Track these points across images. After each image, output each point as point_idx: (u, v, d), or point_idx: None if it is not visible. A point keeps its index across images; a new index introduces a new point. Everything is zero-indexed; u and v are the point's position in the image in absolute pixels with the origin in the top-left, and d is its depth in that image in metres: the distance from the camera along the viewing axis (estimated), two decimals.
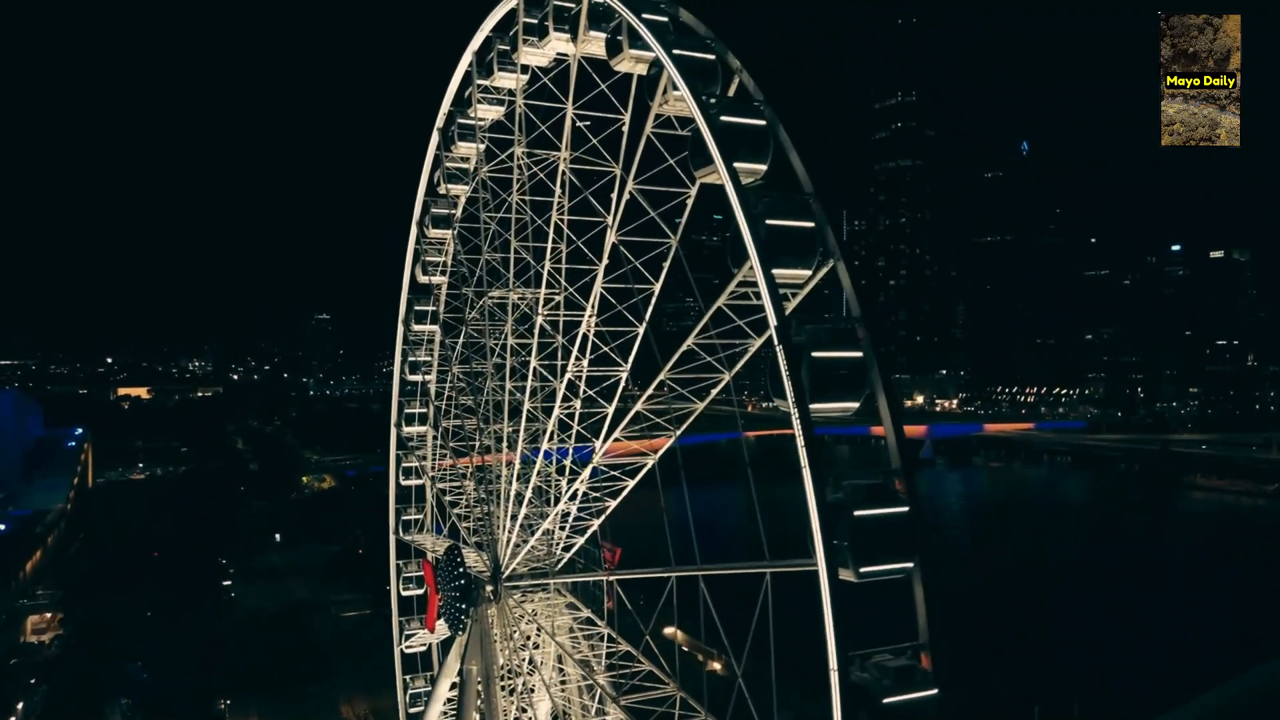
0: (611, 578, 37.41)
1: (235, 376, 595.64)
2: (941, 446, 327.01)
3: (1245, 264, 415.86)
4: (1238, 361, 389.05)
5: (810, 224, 26.01)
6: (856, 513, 23.96)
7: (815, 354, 24.32)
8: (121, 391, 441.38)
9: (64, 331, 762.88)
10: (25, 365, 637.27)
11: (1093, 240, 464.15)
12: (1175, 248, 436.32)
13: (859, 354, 25.14)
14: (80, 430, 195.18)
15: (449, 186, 52.30)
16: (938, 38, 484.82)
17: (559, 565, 42.24)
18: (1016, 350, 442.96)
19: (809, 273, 26.40)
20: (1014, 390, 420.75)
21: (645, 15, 30.65)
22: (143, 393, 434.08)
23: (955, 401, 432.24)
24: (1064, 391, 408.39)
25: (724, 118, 26.95)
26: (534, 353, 40.64)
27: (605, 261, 36.15)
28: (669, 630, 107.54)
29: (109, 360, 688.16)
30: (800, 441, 23.15)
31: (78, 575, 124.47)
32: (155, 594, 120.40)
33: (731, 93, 29.89)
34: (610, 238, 35.03)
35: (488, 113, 47.01)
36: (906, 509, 24.76)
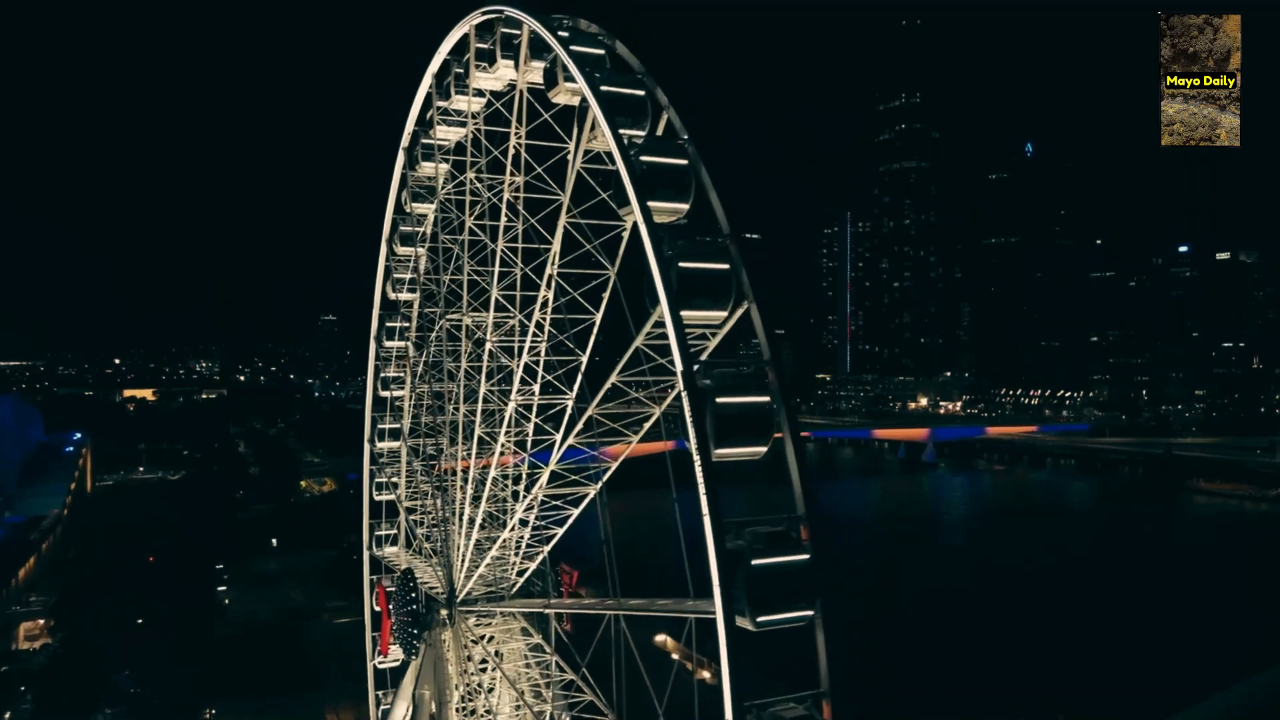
0: (548, 610, 37.38)
1: (242, 378, 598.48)
2: (945, 449, 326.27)
3: (1252, 266, 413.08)
4: (1243, 364, 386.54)
5: (725, 266, 25.97)
6: (754, 561, 23.71)
7: (720, 399, 24.27)
8: (127, 393, 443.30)
9: (73, 333, 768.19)
10: (34, 366, 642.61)
11: (1098, 241, 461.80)
12: (1182, 249, 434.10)
13: (765, 399, 25.05)
14: (79, 435, 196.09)
15: (414, 205, 52.55)
16: (942, 39, 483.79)
17: (514, 588, 42.26)
18: (1021, 352, 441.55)
19: (724, 314, 26.34)
20: (1018, 392, 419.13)
21: (578, 48, 30.64)
22: (148, 394, 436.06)
23: (959, 404, 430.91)
24: (1068, 394, 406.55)
25: (644, 157, 26.91)
26: (483, 377, 40.71)
27: (546, 290, 36.11)
28: (659, 638, 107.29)
29: (116, 361, 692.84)
30: (701, 490, 23.08)
31: (70, 582, 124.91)
32: (148, 601, 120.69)
33: (660, 129, 29.86)
34: (550, 268, 35.03)
35: (448, 134, 47.14)
36: (808, 556, 24.37)
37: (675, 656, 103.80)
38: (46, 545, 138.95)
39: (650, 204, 26.06)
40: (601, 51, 31.35)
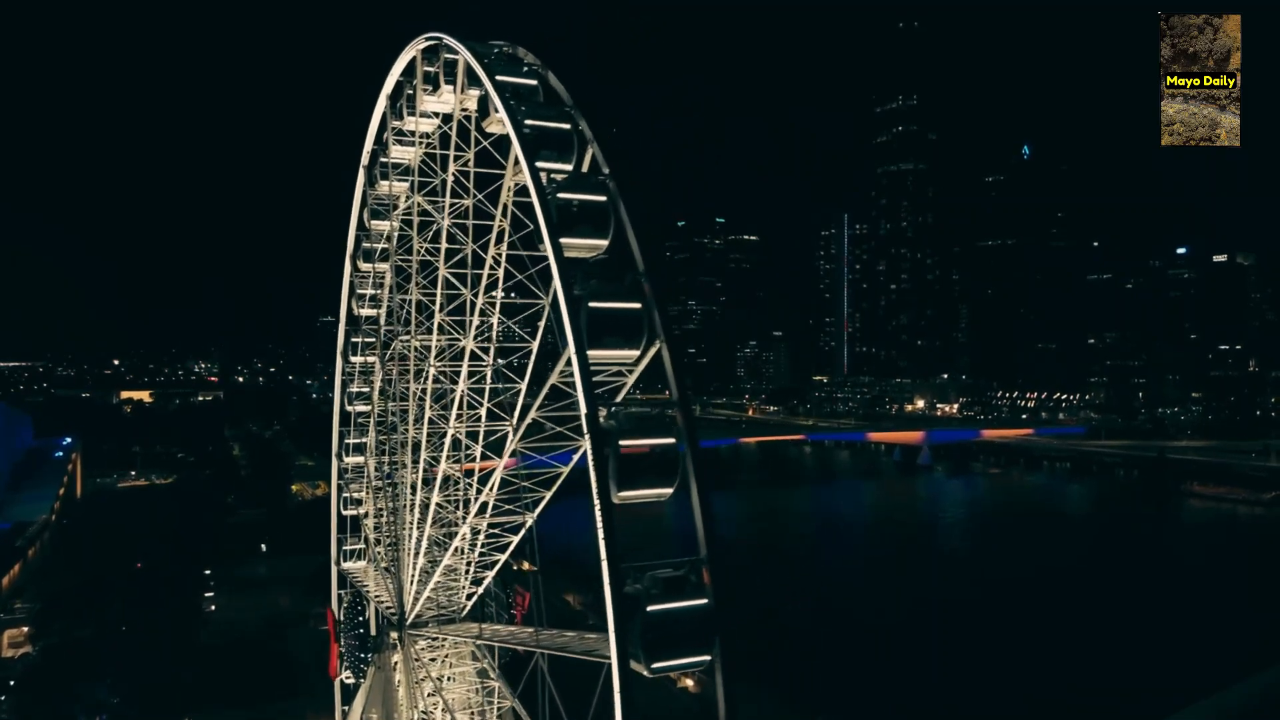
0: (479, 641, 37.29)
1: (240, 379, 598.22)
2: (940, 452, 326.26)
3: (1249, 268, 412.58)
4: (1240, 367, 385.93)
5: (637, 305, 25.89)
6: (650, 608, 23.64)
7: (623, 442, 24.18)
8: (124, 395, 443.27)
9: (73, 333, 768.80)
10: (33, 367, 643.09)
11: (1096, 243, 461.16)
12: (1180, 250, 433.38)
13: (671, 440, 24.96)
14: (69, 440, 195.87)
15: (373, 223, 52.53)
16: (940, 41, 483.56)
17: (465, 611, 42.19)
18: (1018, 354, 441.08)
19: (636, 353, 26.26)
20: (1015, 395, 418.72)
21: (507, 79, 30.57)
22: (145, 396, 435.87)
23: (956, 406, 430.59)
24: (1065, 396, 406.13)
25: (563, 194, 26.85)
26: (428, 400, 40.69)
27: (477, 317, 36.04)
28: None
29: (115, 362, 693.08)
30: (600, 534, 22.98)
31: (54, 590, 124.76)
32: (133, 608, 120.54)
33: (586, 163, 29.79)
34: (481, 296, 34.97)
35: (403, 154, 47.13)
36: (706, 601, 24.26)
37: None
38: (33, 551, 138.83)
39: (568, 240, 26.03)
40: (534, 82, 31.27)
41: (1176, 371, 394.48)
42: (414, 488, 42.17)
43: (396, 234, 49.85)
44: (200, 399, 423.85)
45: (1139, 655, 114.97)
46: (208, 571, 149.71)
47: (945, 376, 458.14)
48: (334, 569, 64.97)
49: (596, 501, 23.19)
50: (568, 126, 29.57)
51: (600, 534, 23.14)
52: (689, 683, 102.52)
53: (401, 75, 44.12)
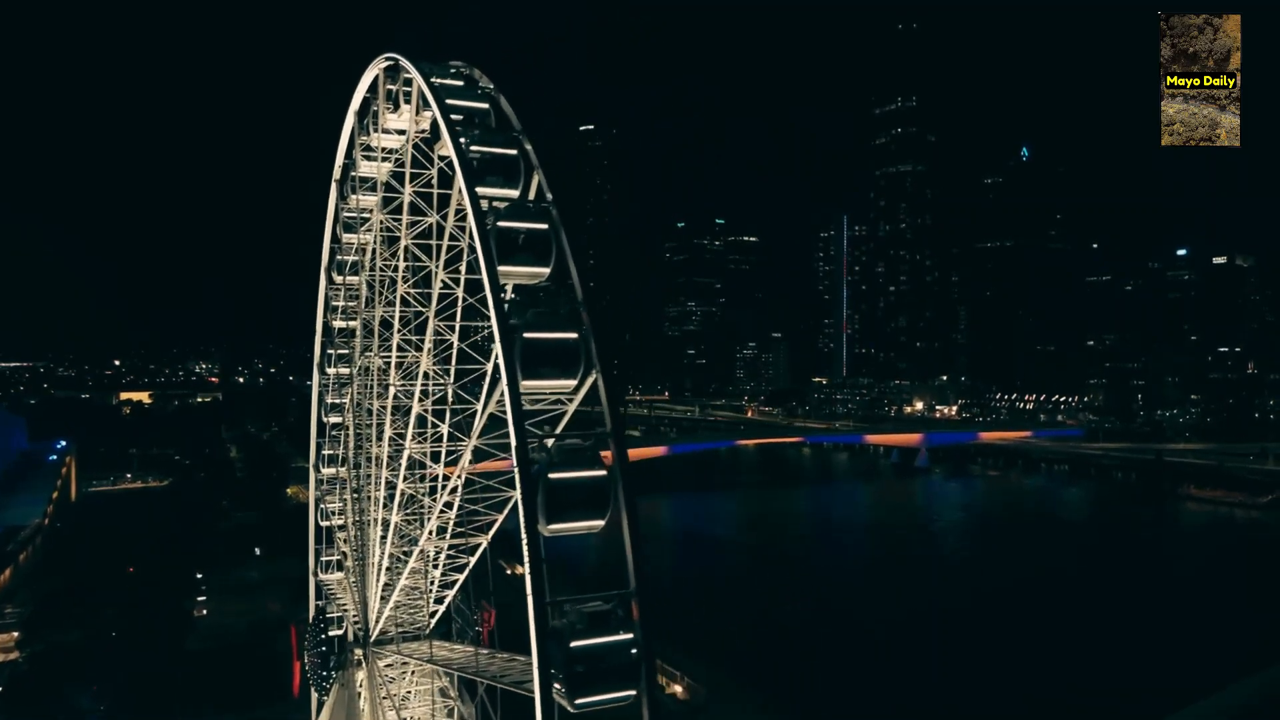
0: (428, 666, 37.24)
1: (241, 379, 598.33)
2: (938, 454, 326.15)
3: (1249, 270, 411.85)
4: (1239, 369, 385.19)
5: (574, 335, 25.83)
6: (574, 643, 23.61)
7: (552, 475, 24.12)
8: (124, 396, 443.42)
9: (74, 334, 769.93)
10: (34, 368, 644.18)
11: (1094, 245, 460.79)
12: (1180, 252, 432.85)
13: (602, 473, 24.89)
14: (63, 443, 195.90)
15: (345, 236, 52.54)
16: (939, 42, 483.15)
17: (430, 628, 42.14)
18: (1017, 356, 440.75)
19: (573, 383, 26.20)
20: (1014, 396, 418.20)
21: (458, 101, 30.55)
22: (144, 397, 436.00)
23: (955, 408, 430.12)
24: (1064, 398, 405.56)
25: (501, 223, 26.82)
26: (388, 417, 40.67)
27: (429, 340, 36.03)
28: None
29: (116, 363, 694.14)
30: (526, 569, 22.90)
31: (42, 594, 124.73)
32: (123, 613, 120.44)
33: (533, 189, 29.75)
34: (432, 320, 34.97)
35: (370, 169, 47.13)
36: (632, 636, 24.25)
37: None
38: (24, 556, 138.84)
39: (509, 268, 25.99)
40: (485, 106, 31.24)
41: (1175, 373, 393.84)
42: (378, 503, 42.15)
43: (368, 249, 49.86)
44: (199, 400, 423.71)
45: (1137, 657, 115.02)
46: (200, 575, 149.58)
47: (944, 378, 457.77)
48: (311, 580, 64.97)
49: (524, 534, 23.16)
50: (514, 152, 29.56)
51: (527, 568, 23.05)
52: (678, 689, 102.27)
53: (368, 92, 44.16)
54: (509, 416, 24.18)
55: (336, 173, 52.95)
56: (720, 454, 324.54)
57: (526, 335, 25.14)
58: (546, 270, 27.63)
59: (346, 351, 58.41)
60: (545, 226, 27.67)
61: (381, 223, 43.91)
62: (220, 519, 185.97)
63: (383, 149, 44.73)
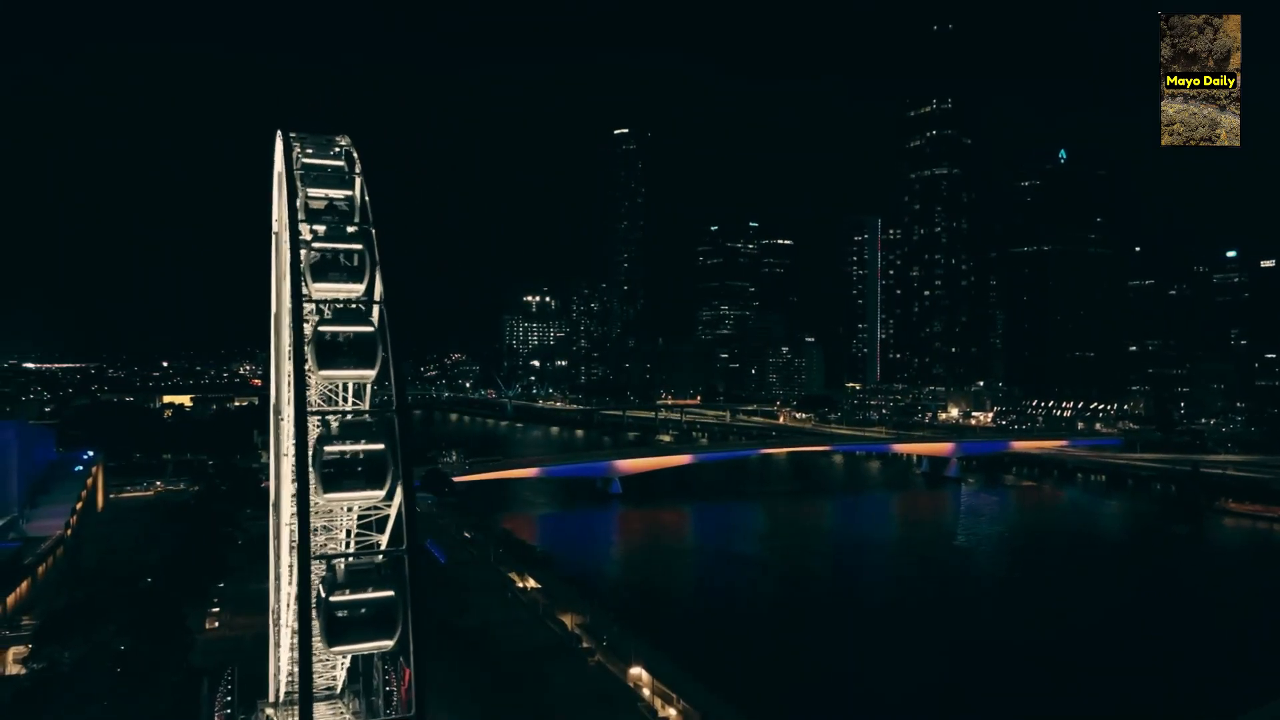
0: None
1: None
2: (971, 464, 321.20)
3: None
4: None
5: (381, 447, 26.36)
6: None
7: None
8: (166, 399, 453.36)
9: (125, 334, 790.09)
10: (85, 369, 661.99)
11: (1137, 249, 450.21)
12: (1230, 254, 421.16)
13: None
14: (90, 454, 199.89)
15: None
16: (974, 44, 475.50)
17: (341, 688, 42.14)
18: (1055, 362, 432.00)
19: (382, 493, 26.57)
20: (1050, 404, 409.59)
21: (319, 191, 30.75)
22: (185, 400, 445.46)
23: (990, 415, 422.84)
24: (1103, 406, 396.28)
25: (324, 328, 27.26)
26: (286, 461, 40.79)
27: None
28: (634, 671, 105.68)
29: (164, 364, 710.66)
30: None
31: (56, 607, 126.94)
32: (134, 627, 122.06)
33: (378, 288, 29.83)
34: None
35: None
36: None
37: (647, 691, 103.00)
38: (43, 569, 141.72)
39: (331, 372, 26.52)
40: (345, 194, 31.42)
41: (1220, 381, 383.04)
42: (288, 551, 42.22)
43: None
44: (236, 404, 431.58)
45: (1169, 678, 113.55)
46: (221, 584, 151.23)
47: (980, 384, 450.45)
48: (270, 630, 65.36)
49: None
50: (359, 247, 29.70)
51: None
52: (672, 712, 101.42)
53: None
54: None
55: (274, 225, 53.45)
56: (751, 462, 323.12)
57: (327, 449, 26.13)
58: (372, 373, 28.32)
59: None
60: (372, 329, 27.86)
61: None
62: (242, 528, 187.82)
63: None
